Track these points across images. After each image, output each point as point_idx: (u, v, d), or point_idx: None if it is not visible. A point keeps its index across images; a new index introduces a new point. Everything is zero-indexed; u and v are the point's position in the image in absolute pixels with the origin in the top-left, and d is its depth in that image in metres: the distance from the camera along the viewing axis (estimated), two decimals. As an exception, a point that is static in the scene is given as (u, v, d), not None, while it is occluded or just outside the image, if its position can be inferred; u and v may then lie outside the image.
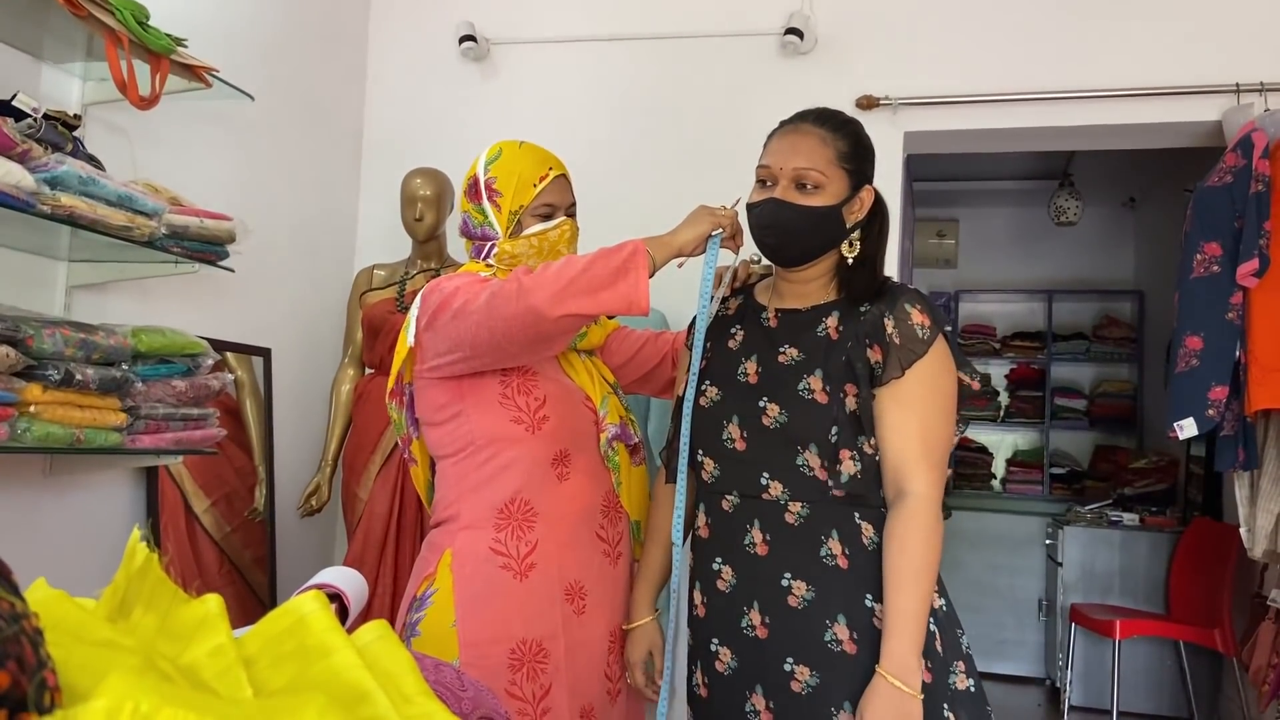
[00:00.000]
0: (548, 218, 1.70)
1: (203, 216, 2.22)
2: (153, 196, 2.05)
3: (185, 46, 2.14)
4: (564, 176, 1.73)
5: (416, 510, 2.94)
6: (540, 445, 1.63)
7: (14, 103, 1.95)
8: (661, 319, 3.02)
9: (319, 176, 3.41)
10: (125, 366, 2.05)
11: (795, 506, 1.48)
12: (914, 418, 1.45)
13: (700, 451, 1.58)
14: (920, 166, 4.03)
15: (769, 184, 1.53)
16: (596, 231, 3.40)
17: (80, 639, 0.54)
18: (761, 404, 1.50)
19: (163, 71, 2.02)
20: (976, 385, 1.52)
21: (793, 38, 3.20)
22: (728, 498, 1.54)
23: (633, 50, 3.43)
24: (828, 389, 1.47)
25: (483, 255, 1.73)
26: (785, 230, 1.51)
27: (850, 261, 1.55)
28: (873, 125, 3.22)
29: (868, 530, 1.47)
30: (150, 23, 2.01)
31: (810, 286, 1.57)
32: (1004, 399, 6.17)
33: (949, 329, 1.52)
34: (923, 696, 1.37)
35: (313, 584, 0.98)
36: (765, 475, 1.50)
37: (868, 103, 3.17)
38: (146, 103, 2.00)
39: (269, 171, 3.11)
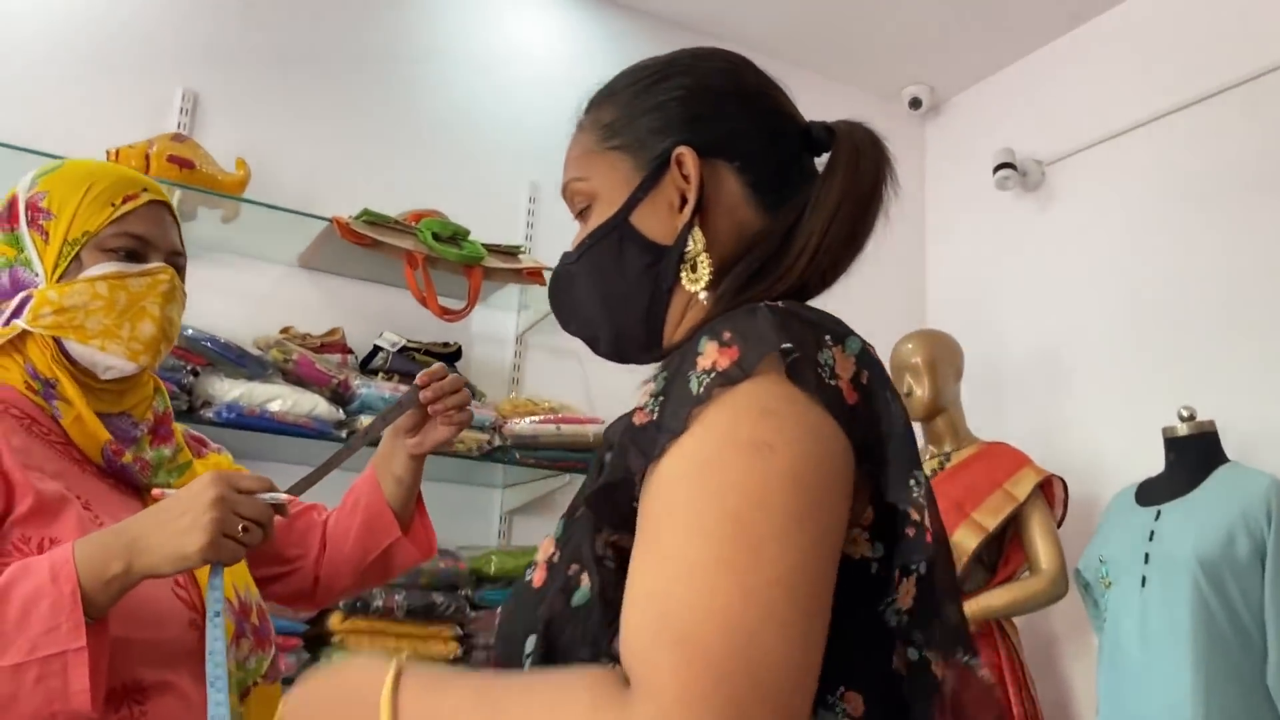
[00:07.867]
0: (133, 256, 1.10)
1: (560, 424, 2.08)
2: (481, 408, 1.99)
3: (526, 252, 2.10)
4: (166, 207, 1.15)
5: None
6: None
7: (377, 341, 2.11)
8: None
9: (884, 343, 3.07)
10: (464, 591, 1.95)
11: None
12: (651, 554, 0.59)
13: None
14: None
15: None
16: (1242, 348, 2.29)
17: None
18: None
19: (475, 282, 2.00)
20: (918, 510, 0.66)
21: None
22: None
23: (1217, 108, 2.40)
24: (555, 555, 0.72)
25: (7, 317, 1.09)
26: (557, 306, 0.84)
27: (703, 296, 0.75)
28: None
29: None
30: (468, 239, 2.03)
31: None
32: None
33: (795, 353, 0.62)
34: None
35: None
36: None
37: None
38: (453, 315, 1.99)
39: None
